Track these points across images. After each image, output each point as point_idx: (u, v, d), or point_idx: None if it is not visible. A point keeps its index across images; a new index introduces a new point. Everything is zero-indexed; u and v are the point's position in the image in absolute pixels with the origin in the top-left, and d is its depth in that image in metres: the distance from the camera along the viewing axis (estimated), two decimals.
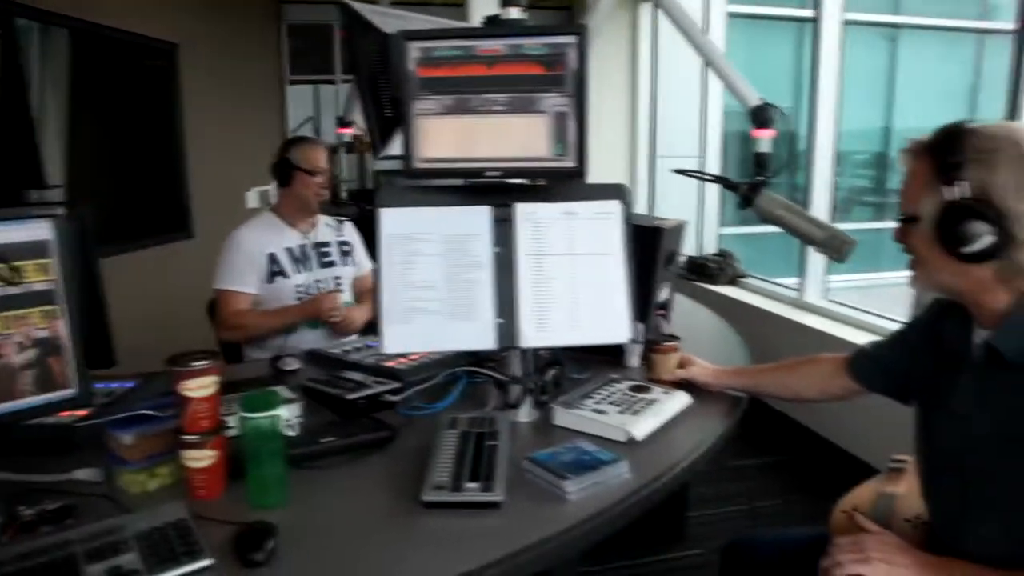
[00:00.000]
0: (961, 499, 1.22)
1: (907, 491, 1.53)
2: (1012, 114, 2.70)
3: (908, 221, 1.19)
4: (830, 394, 1.62)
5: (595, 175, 1.47)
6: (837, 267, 4.31)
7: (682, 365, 1.78)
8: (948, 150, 1.11)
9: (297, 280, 2.46)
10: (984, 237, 1.08)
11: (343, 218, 2.52)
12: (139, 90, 2.44)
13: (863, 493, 1.57)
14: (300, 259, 2.48)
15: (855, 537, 1.27)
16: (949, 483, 1.25)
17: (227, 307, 2.40)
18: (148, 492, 1.33)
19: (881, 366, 1.49)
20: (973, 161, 1.09)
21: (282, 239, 2.48)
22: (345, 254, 2.59)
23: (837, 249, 1.46)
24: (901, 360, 1.44)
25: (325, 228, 2.56)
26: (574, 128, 1.40)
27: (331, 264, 2.55)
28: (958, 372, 1.23)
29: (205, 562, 1.08)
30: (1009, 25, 2.72)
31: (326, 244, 2.55)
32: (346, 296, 2.56)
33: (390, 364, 1.86)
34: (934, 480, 1.31)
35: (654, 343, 1.78)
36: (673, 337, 1.79)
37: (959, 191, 1.10)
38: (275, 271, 2.43)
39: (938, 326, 1.32)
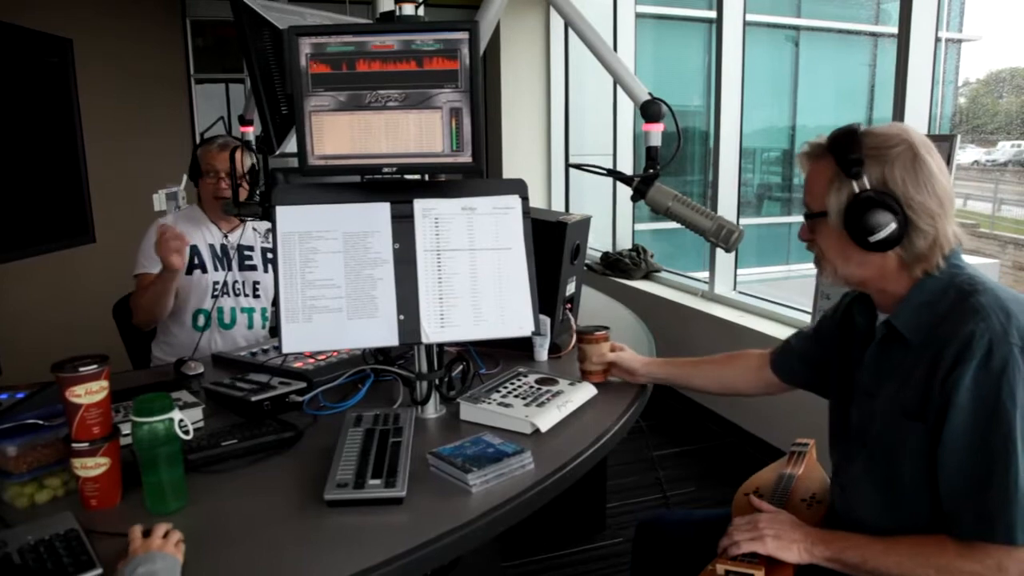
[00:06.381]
0: (864, 472, 1.29)
1: (805, 473, 1.61)
2: (899, 111, 2.85)
3: (815, 216, 1.26)
4: (758, 388, 1.66)
5: (511, 174, 1.49)
6: (746, 259, 4.48)
7: (611, 351, 1.77)
8: (847, 148, 1.20)
9: (215, 277, 2.42)
10: (889, 225, 1.17)
11: (248, 218, 2.47)
12: (31, 88, 2.33)
13: (765, 475, 1.64)
14: (220, 257, 2.45)
15: (750, 517, 1.34)
16: (853, 456, 1.32)
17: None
18: (37, 505, 1.28)
19: (800, 359, 1.56)
20: (871, 157, 1.19)
21: (205, 234, 2.46)
22: (270, 262, 2.55)
23: (725, 239, 1.51)
24: (818, 352, 1.50)
25: (251, 232, 2.52)
26: (469, 123, 1.41)
27: (252, 268, 2.50)
28: (863, 352, 1.31)
29: (94, 573, 1.04)
30: (896, 29, 2.88)
31: (250, 248, 2.51)
32: (264, 302, 2.53)
33: (297, 365, 1.84)
34: (842, 455, 1.38)
35: (584, 333, 1.75)
36: (603, 327, 1.78)
37: (862, 184, 1.18)
38: (194, 264, 2.39)
39: (849, 315, 1.40)
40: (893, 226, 1.17)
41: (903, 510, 1.22)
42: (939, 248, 1.20)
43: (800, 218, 1.29)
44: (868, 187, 1.18)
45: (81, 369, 1.22)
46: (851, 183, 1.19)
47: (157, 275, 2.23)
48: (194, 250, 2.40)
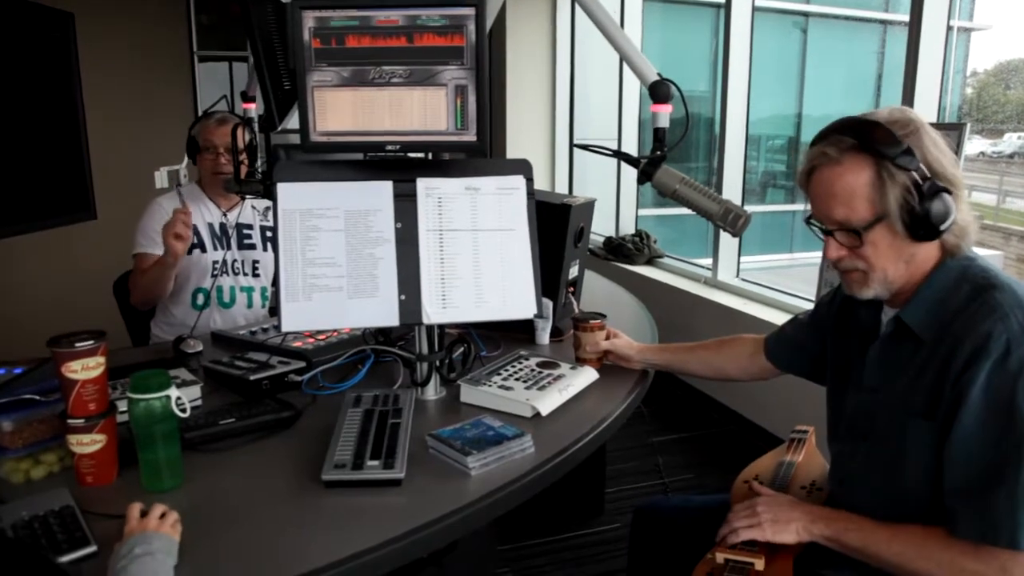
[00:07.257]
0: (865, 468, 1.28)
1: (805, 460, 1.59)
2: (909, 100, 2.82)
3: (870, 226, 1.15)
4: (751, 374, 1.65)
5: (515, 156, 1.46)
6: (750, 247, 4.46)
7: (607, 339, 1.77)
8: (883, 141, 1.12)
9: (214, 256, 2.40)
10: (952, 207, 1.11)
11: (248, 195, 2.45)
12: (33, 63, 2.30)
13: (764, 463, 1.63)
14: (219, 236, 2.42)
15: (749, 502, 1.32)
16: (853, 451, 1.31)
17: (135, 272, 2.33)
18: (33, 481, 1.27)
19: (795, 347, 1.54)
20: (910, 144, 1.12)
21: (204, 212, 2.43)
22: (269, 240, 2.53)
23: (732, 223, 1.49)
24: (814, 340, 1.48)
25: (250, 210, 2.50)
26: (474, 102, 1.38)
27: (251, 247, 2.48)
28: (868, 347, 1.28)
29: (88, 550, 1.04)
30: (907, 17, 2.84)
31: (248, 226, 2.49)
32: (263, 281, 2.51)
33: (297, 344, 1.82)
34: (842, 448, 1.37)
35: (580, 320, 1.75)
36: (600, 315, 1.77)
37: (922, 172, 1.12)
38: (193, 243, 2.37)
39: (848, 305, 1.37)
40: (954, 207, 1.12)
41: (903, 507, 1.20)
42: (971, 222, 1.17)
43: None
44: (927, 174, 1.11)
45: (77, 344, 1.21)
46: (904, 175, 1.11)
47: (156, 260, 2.21)
48: (193, 229, 2.37)
